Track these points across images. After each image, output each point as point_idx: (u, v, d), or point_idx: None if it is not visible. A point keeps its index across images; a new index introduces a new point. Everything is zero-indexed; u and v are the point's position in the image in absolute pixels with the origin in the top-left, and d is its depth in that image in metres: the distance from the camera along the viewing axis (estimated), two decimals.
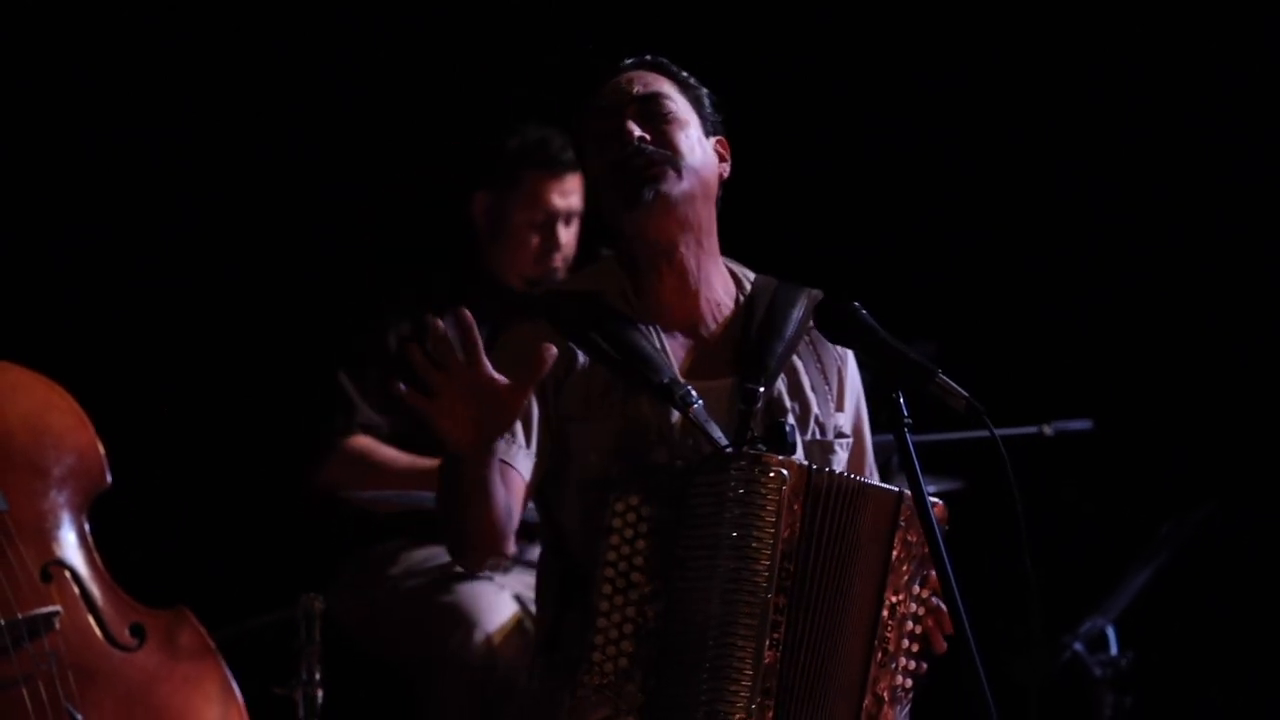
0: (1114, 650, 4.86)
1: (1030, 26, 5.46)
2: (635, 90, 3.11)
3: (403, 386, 2.76)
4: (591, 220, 4.67)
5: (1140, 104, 5.45)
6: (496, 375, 2.75)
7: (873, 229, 5.40)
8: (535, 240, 4.67)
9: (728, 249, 3.22)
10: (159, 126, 5.14)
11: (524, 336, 3.05)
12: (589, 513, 2.99)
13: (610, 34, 5.32)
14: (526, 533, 4.55)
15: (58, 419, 4.14)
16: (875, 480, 3.10)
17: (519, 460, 3.03)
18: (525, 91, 5.17)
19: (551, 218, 4.67)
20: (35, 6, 5.09)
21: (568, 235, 4.70)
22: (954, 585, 2.83)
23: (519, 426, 3.01)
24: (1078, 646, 4.84)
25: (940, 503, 3.02)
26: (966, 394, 2.89)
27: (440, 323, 2.77)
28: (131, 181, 5.13)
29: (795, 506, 2.92)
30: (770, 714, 2.90)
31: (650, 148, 3.06)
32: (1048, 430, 4.65)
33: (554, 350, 2.77)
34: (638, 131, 3.06)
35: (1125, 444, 5.08)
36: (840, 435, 3.16)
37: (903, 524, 2.97)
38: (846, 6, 5.48)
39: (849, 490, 2.97)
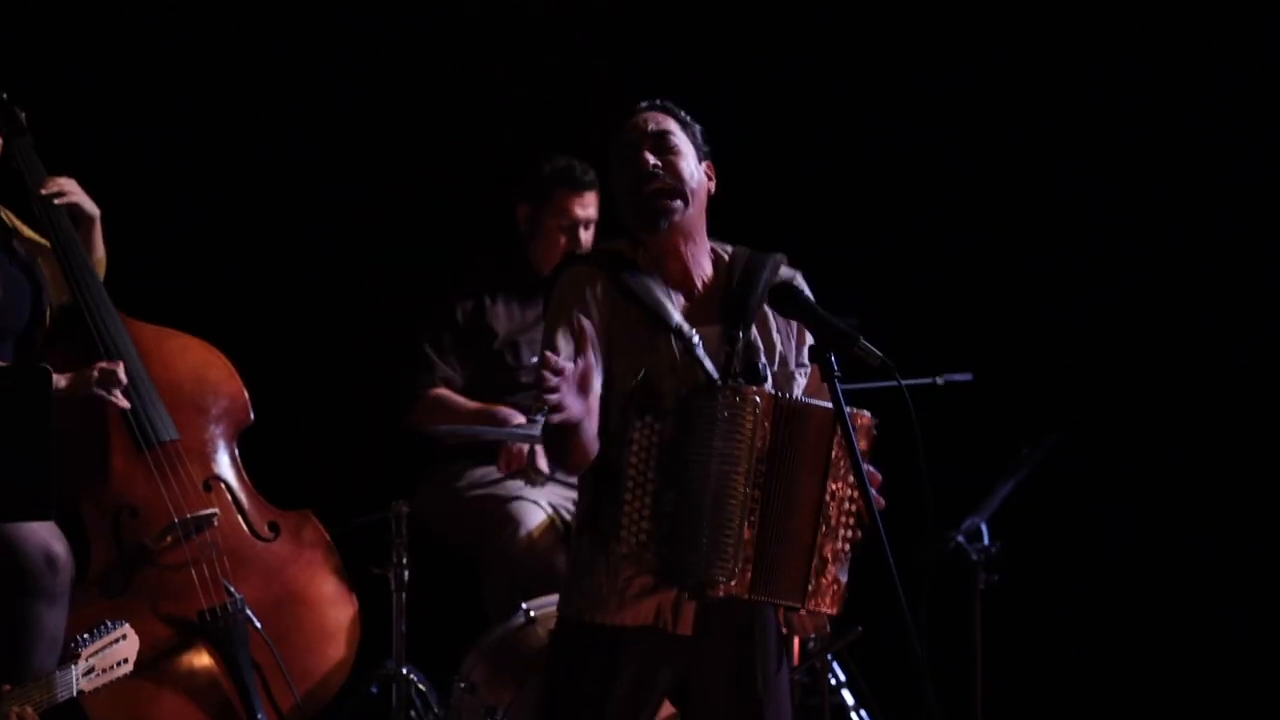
0: (987, 541, 4.83)
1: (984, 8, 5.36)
2: (649, 128, 3.11)
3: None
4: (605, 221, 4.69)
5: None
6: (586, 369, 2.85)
7: (807, 221, 5.30)
8: (563, 241, 4.64)
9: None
10: (297, 141, 5.11)
11: (578, 273, 3.08)
12: (620, 424, 2.99)
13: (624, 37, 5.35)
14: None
15: (214, 372, 4.17)
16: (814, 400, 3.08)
17: (597, 381, 3.00)
18: (525, 91, 5.12)
19: (575, 224, 4.64)
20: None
21: (587, 237, 4.67)
22: (867, 483, 2.89)
23: (594, 353, 3.01)
24: (960, 538, 4.80)
25: (868, 415, 3.05)
26: (881, 354, 2.93)
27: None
28: (269, 188, 5.11)
29: (766, 424, 2.95)
30: (749, 574, 2.95)
31: (661, 173, 3.07)
32: (939, 380, 4.65)
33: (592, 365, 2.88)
34: (652, 160, 3.07)
35: (996, 390, 5.05)
36: (800, 365, 3.16)
37: (839, 432, 2.99)
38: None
39: (801, 409, 3.00)
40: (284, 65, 5.14)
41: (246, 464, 4.15)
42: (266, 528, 4.12)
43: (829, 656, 4.58)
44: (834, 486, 3.01)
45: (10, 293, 3.93)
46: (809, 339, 3.15)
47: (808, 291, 3.14)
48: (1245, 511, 5.27)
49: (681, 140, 3.13)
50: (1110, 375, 5.36)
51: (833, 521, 3.01)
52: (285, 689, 3.99)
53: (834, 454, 3.00)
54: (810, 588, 3.00)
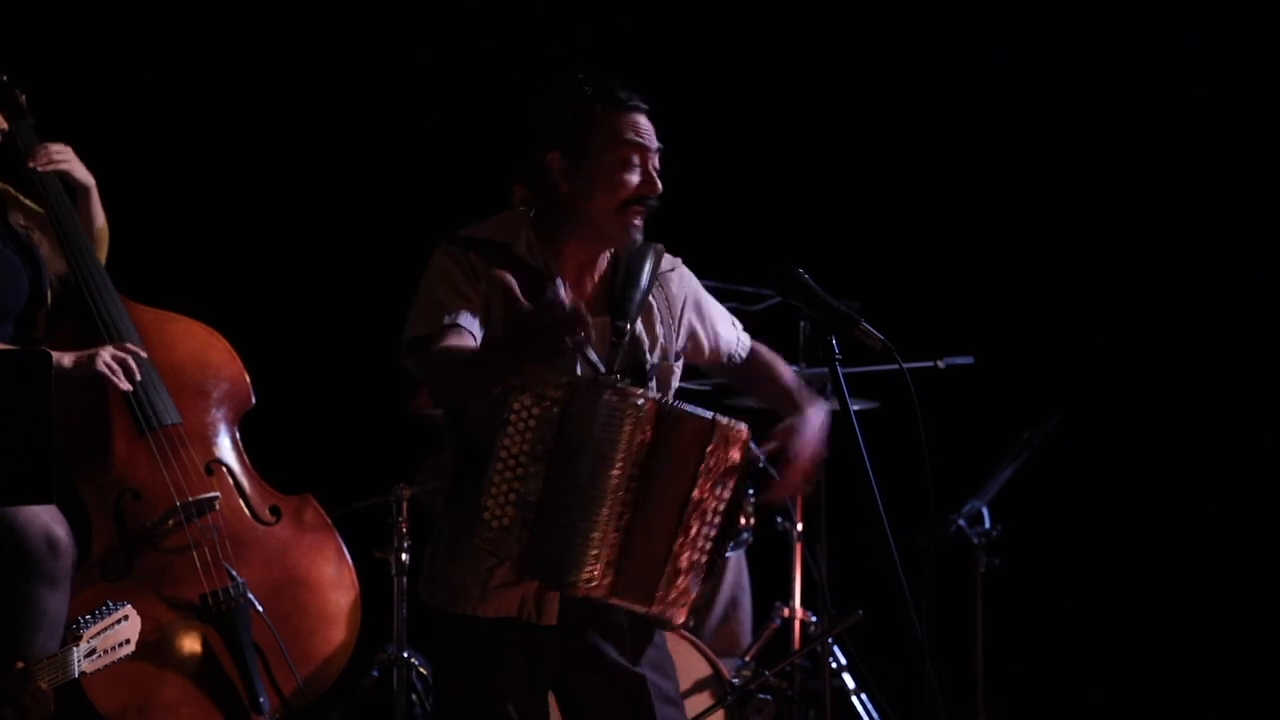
0: (988, 524, 4.86)
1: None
2: (653, 143, 3.02)
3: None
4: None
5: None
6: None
7: (810, 205, 5.34)
8: None
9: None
10: (297, 143, 5.14)
11: (458, 254, 2.97)
12: (491, 406, 2.87)
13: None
14: None
15: (216, 356, 4.16)
16: (694, 408, 2.97)
17: (477, 330, 2.92)
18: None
19: None
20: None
21: None
22: (873, 479, 2.84)
23: (475, 306, 2.92)
24: (961, 521, 4.84)
25: (744, 429, 2.96)
26: (882, 337, 2.90)
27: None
28: (271, 172, 5.12)
29: (648, 428, 2.87)
30: (610, 577, 2.87)
31: (656, 200, 3.01)
32: (940, 364, 4.66)
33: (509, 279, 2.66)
34: (660, 187, 3.00)
35: (998, 373, 5.08)
36: (678, 357, 3.10)
37: (715, 440, 2.90)
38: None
39: (677, 416, 2.91)
40: (287, 48, 5.14)
41: (248, 448, 4.15)
42: (268, 511, 4.11)
43: (830, 640, 4.60)
44: (698, 495, 2.92)
45: (4, 275, 3.91)
46: (692, 326, 3.11)
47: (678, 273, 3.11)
48: (1246, 495, 5.27)
49: None
50: (1111, 359, 5.37)
51: (692, 532, 2.93)
52: (287, 672, 4.00)
53: (703, 464, 2.91)
54: (660, 594, 2.92)
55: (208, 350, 4.15)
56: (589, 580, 2.85)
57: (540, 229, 3.02)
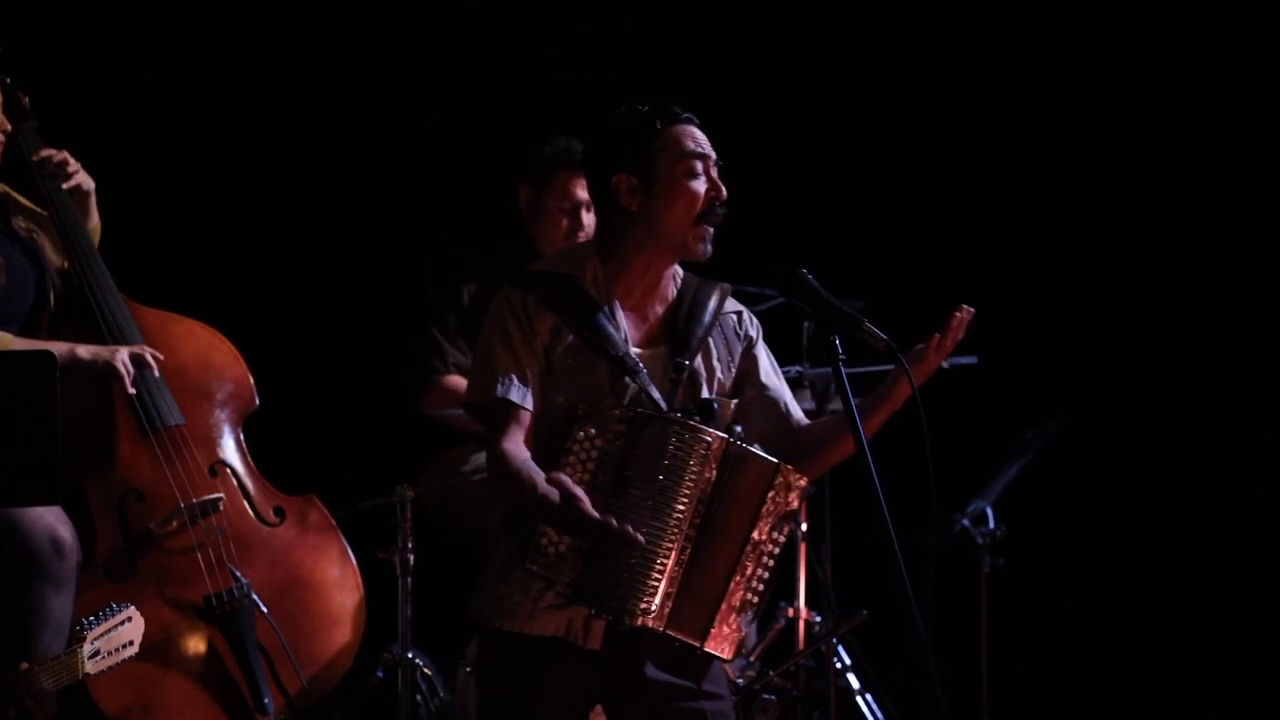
0: (992, 524, 4.87)
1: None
2: (713, 153, 3.06)
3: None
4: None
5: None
6: None
7: (813, 204, 5.35)
8: (565, 223, 4.61)
9: None
10: (293, 147, 5.14)
11: (515, 301, 3.02)
12: (554, 434, 2.95)
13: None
14: None
15: (219, 357, 4.15)
16: (760, 449, 3.00)
17: (528, 402, 2.99)
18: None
19: (576, 205, 4.61)
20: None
21: (589, 219, 4.62)
22: (877, 479, 2.84)
23: (529, 376, 2.98)
24: (965, 521, 4.84)
25: (805, 479, 2.99)
26: (885, 337, 2.92)
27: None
28: (274, 173, 5.11)
29: (713, 466, 2.91)
30: (668, 609, 2.91)
31: (722, 208, 3.04)
32: (944, 364, 4.64)
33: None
34: (725, 194, 3.04)
35: (1001, 373, 5.07)
36: (733, 395, 3.12)
37: (777, 484, 2.95)
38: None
39: (744, 456, 2.94)
40: (288, 48, 5.14)
41: (252, 449, 4.14)
42: (272, 512, 4.11)
43: (835, 640, 4.59)
44: (758, 537, 2.96)
45: (13, 278, 3.92)
46: (750, 364, 3.13)
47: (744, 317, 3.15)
48: (1250, 496, 5.27)
49: None
50: (1115, 358, 5.37)
51: (749, 571, 2.97)
52: (291, 673, 3.99)
53: (765, 507, 2.95)
54: (713, 631, 2.95)
55: (211, 351, 4.14)
56: (647, 610, 2.89)
57: (606, 258, 3.07)
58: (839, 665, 4.66)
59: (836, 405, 4.63)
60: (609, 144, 3.08)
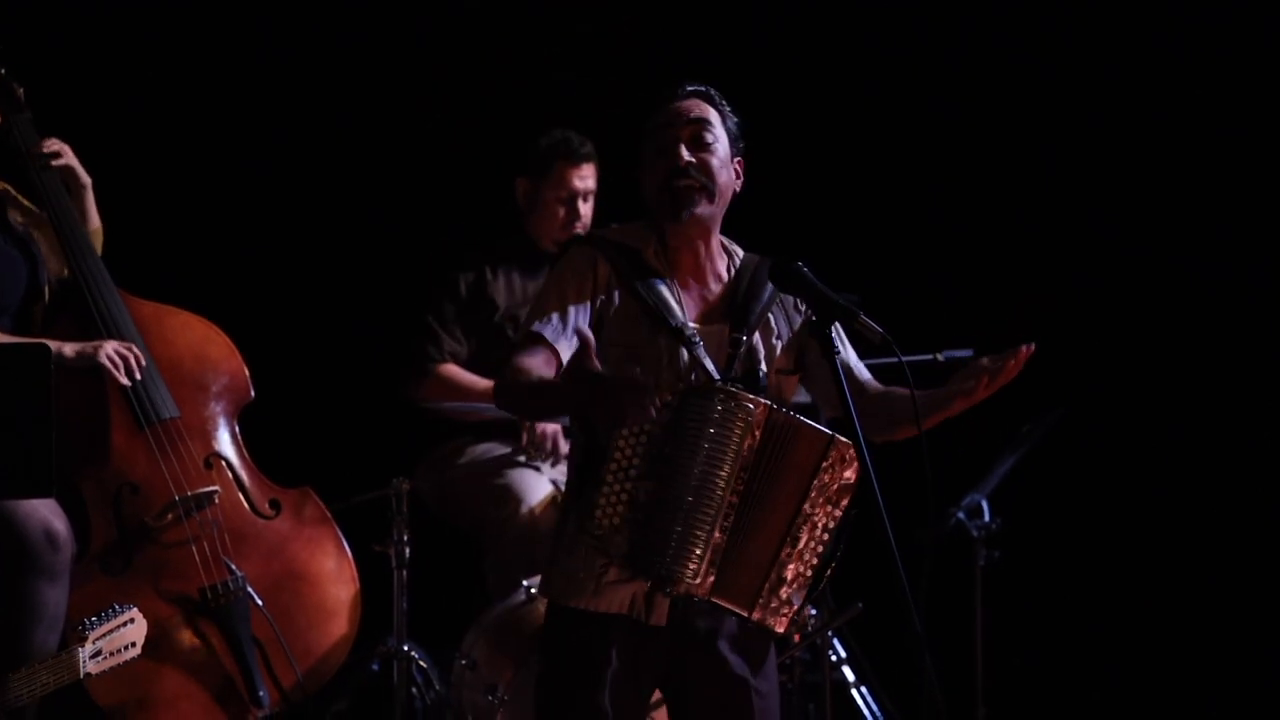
0: (987, 517, 4.84)
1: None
2: (692, 115, 3.09)
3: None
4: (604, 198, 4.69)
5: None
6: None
7: (809, 197, 5.33)
8: (562, 213, 4.63)
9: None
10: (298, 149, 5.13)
11: (586, 253, 3.09)
12: None
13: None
14: (568, 432, 4.61)
15: (214, 349, 4.15)
16: (813, 423, 3.05)
17: (561, 344, 3.04)
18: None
19: (573, 196, 4.63)
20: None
21: (586, 209, 4.66)
22: (872, 472, 2.86)
23: (569, 318, 3.04)
24: (960, 514, 4.84)
25: (851, 445, 3.00)
26: (881, 329, 2.91)
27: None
28: (268, 164, 5.10)
29: (756, 433, 2.93)
30: (712, 577, 2.94)
31: (693, 170, 3.06)
32: (940, 357, 4.64)
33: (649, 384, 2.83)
34: (686, 156, 3.06)
35: None
36: (793, 371, 3.15)
37: (831, 456, 2.97)
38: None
39: (794, 427, 2.97)
40: (282, 40, 5.13)
41: (247, 441, 4.14)
42: (267, 505, 4.10)
43: (830, 633, 4.59)
44: (810, 510, 2.98)
45: (3, 269, 3.91)
46: (807, 346, 3.15)
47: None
48: (1246, 490, 5.27)
49: (719, 133, 3.12)
50: (1111, 351, 5.36)
51: (800, 544, 2.99)
52: (286, 666, 3.99)
53: (818, 479, 2.97)
54: (761, 601, 2.98)
55: (206, 344, 4.14)
56: (692, 575, 2.92)
57: (660, 237, 3.12)
58: (834, 658, 4.66)
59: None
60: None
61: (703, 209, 3.07)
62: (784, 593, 2.99)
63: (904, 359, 2.89)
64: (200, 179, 5.09)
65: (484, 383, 4.55)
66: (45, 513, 3.72)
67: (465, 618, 4.24)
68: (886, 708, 4.77)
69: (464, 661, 4.14)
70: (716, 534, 2.93)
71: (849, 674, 4.71)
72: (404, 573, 4.26)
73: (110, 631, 3.48)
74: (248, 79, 5.12)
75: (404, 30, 5.25)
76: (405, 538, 4.25)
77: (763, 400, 2.97)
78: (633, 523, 2.92)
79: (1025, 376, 5.22)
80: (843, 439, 2.98)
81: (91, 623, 3.47)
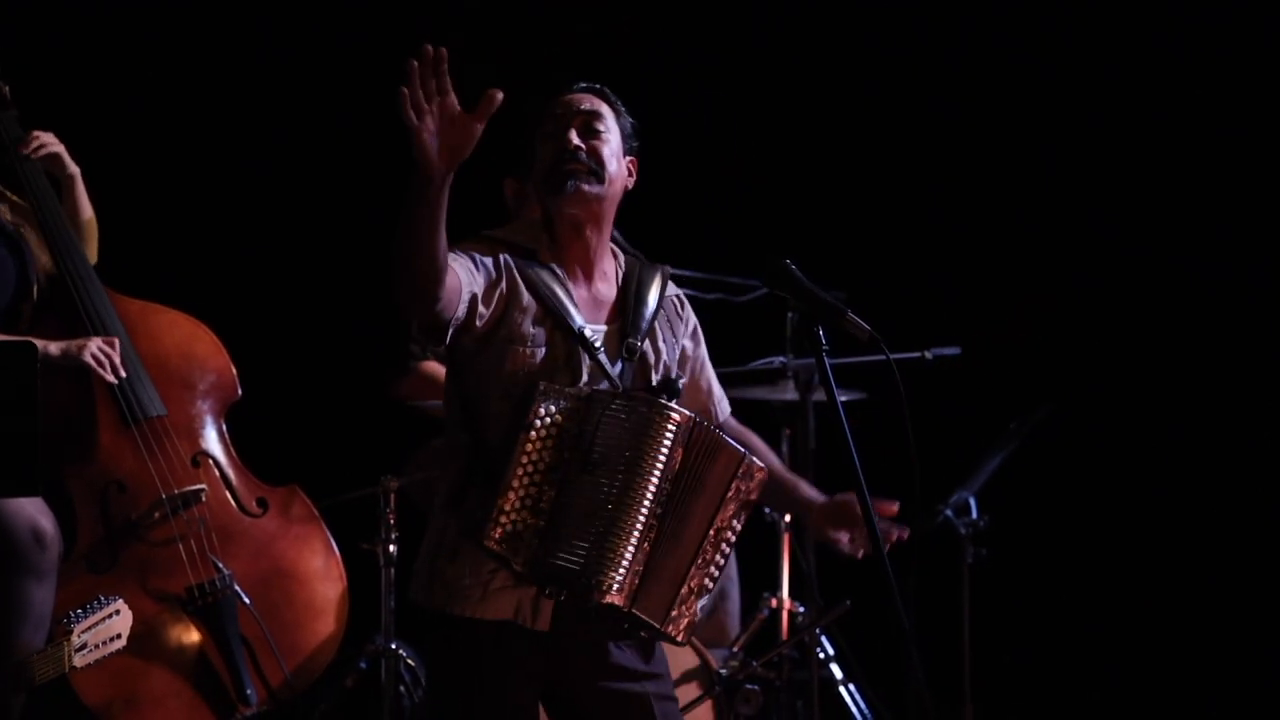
0: (975, 515, 4.85)
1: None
2: (583, 106, 3.08)
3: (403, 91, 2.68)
4: None
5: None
6: (458, 107, 2.71)
7: (796, 194, 5.33)
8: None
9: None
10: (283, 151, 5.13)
11: (486, 247, 3.02)
12: (512, 411, 2.91)
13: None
14: None
15: (201, 347, 4.14)
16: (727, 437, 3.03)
17: (464, 276, 2.92)
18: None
19: None
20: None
21: None
22: (859, 470, 2.84)
23: (481, 275, 2.94)
24: (948, 512, 4.83)
25: (764, 470, 3.03)
26: (869, 328, 2.90)
27: (430, 49, 2.70)
28: (254, 163, 5.09)
29: (679, 448, 2.92)
30: (634, 585, 2.91)
31: (582, 155, 3.04)
32: (928, 355, 4.65)
33: (499, 93, 2.72)
34: (575, 140, 3.04)
35: (985, 364, 5.07)
36: (680, 376, 3.12)
37: (740, 473, 2.99)
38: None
39: (714, 442, 2.98)
40: (269, 40, 5.12)
41: (234, 439, 4.13)
42: (255, 503, 4.10)
43: (818, 631, 4.59)
44: (719, 523, 3.00)
45: None
46: (686, 355, 3.15)
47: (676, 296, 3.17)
48: (1234, 487, 5.27)
49: (611, 127, 3.10)
50: (1098, 349, 5.37)
51: (708, 555, 3.00)
52: (274, 664, 3.98)
53: (729, 493, 2.99)
54: (673, 614, 2.98)
55: (193, 342, 4.13)
56: (616, 588, 2.89)
57: (551, 237, 3.09)
58: (822, 655, 4.66)
59: (820, 396, 4.63)
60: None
61: (589, 187, 3.03)
62: (690, 602, 3.00)
63: (891, 357, 2.88)
64: (187, 177, 5.08)
65: None
66: (32, 511, 3.71)
67: None
68: (874, 705, 4.78)
69: None
70: (645, 545, 2.90)
71: (837, 671, 4.72)
72: (392, 571, 4.25)
73: (96, 624, 3.47)
74: (238, 77, 5.11)
75: (391, 28, 5.23)
76: (393, 536, 4.24)
77: (687, 413, 2.96)
78: (537, 530, 2.87)
79: (1012, 374, 5.27)
80: (751, 457, 3.01)
81: (77, 616, 3.46)
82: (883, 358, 2.87)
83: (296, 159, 5.13)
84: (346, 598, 4.13)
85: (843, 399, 3.03)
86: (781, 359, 4.69)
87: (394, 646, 4.28)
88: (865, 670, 4.78)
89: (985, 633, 4.88)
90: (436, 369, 4.59)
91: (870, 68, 5.35)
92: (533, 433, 2.87)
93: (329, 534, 4.16)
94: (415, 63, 2.72)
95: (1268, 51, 5.19)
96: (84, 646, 3.46)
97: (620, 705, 3.01)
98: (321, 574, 4.12)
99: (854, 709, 4.73)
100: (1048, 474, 5.23)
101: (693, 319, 3.22)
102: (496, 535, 2.86)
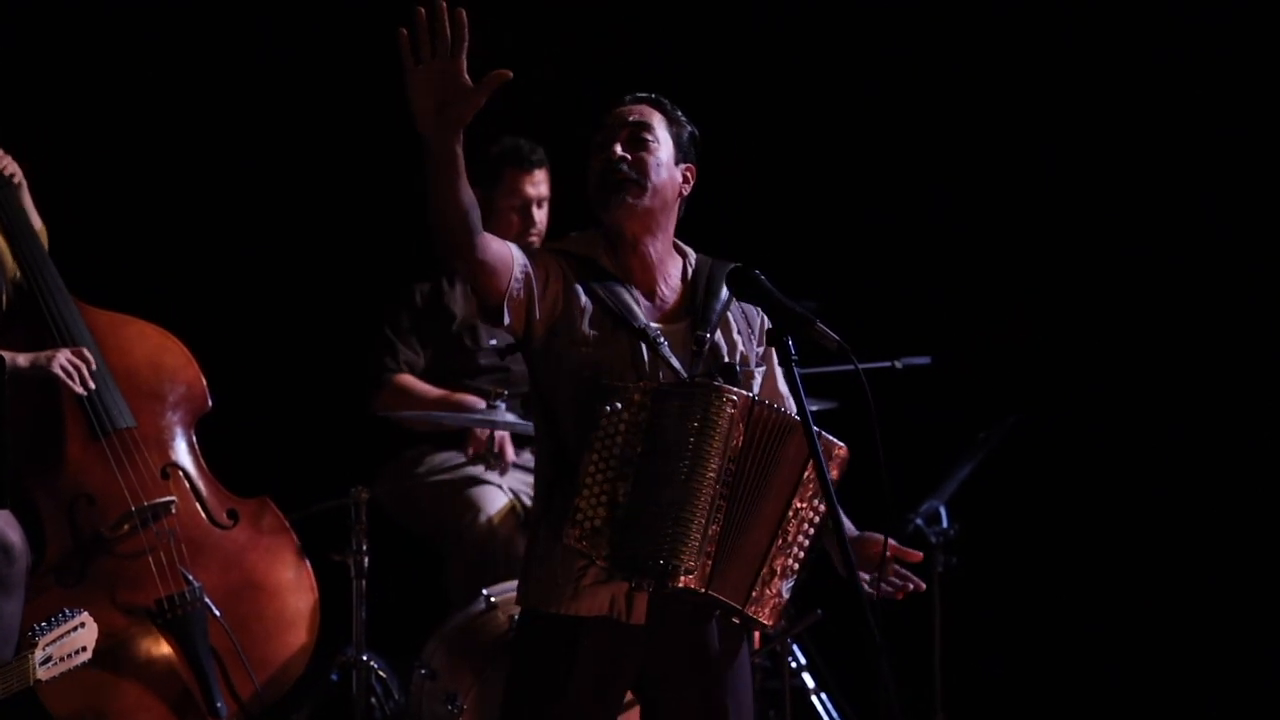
0: (945, 523, 4.86)
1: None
2: (631, 118, 3.12)
3: (403, 32, 2.70)
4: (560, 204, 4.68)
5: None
6: (464, 73, 2.74)
7: (767, 205, 5.34)
8: (516, 221, 4.60)
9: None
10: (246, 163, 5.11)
11: (545, 255, 3.09)
12: (581, 412, 2.97)
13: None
14: (520, 440, 4.59)
15: (171, 359, 4.13)
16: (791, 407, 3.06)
17: (517, 255, 3.00)
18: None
19: (527, 203, 4.60)
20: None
21: (540, 216, 4.64)
22: (829, 484, 2.87)
23: (530, 273, 3.00)
24: (918, 521, 4.84)
25: (844, 448, 3.05)
26: (838, 338, 2.91)
27: (423, 11, 2.71)
28: (226, 173, 5.06)
29: (741, 425, 2.96)
30: (708, 568, 2.95)
31: (626, 167, 3.08)
32: (898, 364, 4.67)
33: (508, 73, 2.75)
34: (619, 151, 3.08)
35: (954, 373, 5.08)
36: (759, 365, 3.17)
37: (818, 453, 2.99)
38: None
39: (783, 422, 3.01)
40: (238, 47, 5.10)
41: (204, 451, 4.11)
42: (225, 515, 4.08)
43: (789, 640, 4.59)
44: (799, 504, 3.02)
45: None
46: (761, 352, 3.16)
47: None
48: (1203, 494, 5.29)
49: (662, 136, 3.14)
50: (1067, 358, 5.38)
51: (790, 537, 3.02)
52: (244, 677, 3.96)
53: (806, 474, 3.01)
54: (755, 594, 3.00)
55: (163, 353, 4.11)
56: (689, 570, 2.93)
57: (609, 242, 3.13)
58: (794, 664, 4.66)
59: (790, 406, 4.62)
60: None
61: (634, 199, 3.07)
62: (774, 585, 3.02)
63: (860, 367, 2.89)
64: (158, 187, 5.04)
65: (437, 392, 4.56)
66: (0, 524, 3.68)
67: (424, 627, 4.21)
68: (846, 714, 4.77)
69: (423, 671, 4.12)
70: (712, 527, 2.94)
71: (809, 680, 4.71)
72: (363, 582, 4.23)
73: (60, 637, 3.44)
74: (208, 86, 5.08)
75: (360, 38, 5.21)
76: (364, 547, 4.23)
77: (745, 393, 3.00)
78: (615, 522, 2.92)
79: (982, 384, 5.28)
80: (829, 436, 3.02)
81: (41, 628, 3.44)
82: (852, 367, 2.87)
83: (267, 171, 5.10)
84: (317, 609, 4.11)
85: (813, 409, 3.02)
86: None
87: (365, 658, 4.26)
88: (837, 679, 4.78)
89: (956, 641, 4.89)
90: (410, 381, 4.59)
91: (840, 77, 5.35)
92: (600, 430, 2.93)
93: (300, 545, 4.14)
94: (421, 9, 2.73)
95: (1227, 63, 5.22)
96: (48, 659, 3.43)
97: (700, 697, 3.04)
98: (292, 585, 4.10)
99: (826, 718, 4.73)
100: (1017, 482, 5.23)
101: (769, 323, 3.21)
102: (576, 533, 2.93)
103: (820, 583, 3.28)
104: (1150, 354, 5.33)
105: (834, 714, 4.75)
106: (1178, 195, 5.31)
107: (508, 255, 3.00)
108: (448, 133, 2.83)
